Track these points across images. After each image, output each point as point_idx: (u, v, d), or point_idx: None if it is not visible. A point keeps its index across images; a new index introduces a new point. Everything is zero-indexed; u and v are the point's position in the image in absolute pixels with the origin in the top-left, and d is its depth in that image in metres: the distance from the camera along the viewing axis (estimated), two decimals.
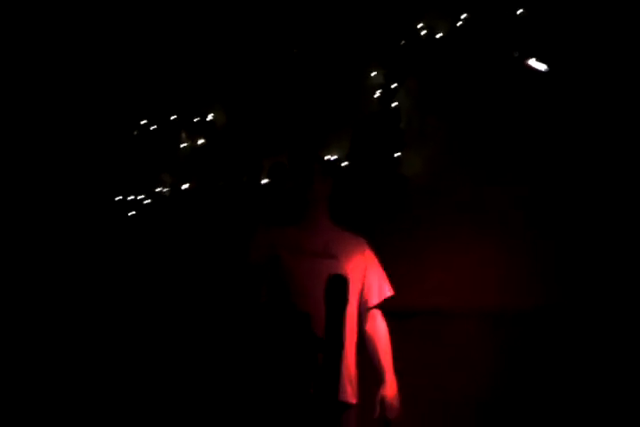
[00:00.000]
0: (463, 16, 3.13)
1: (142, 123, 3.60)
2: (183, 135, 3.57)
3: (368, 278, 2.52)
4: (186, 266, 3.35)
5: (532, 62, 2.95)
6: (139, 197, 3.55)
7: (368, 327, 2.51)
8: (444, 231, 3.05)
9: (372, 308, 2.53)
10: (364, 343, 2.50)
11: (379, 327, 2.52)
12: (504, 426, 2.82)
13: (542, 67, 2.94)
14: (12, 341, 3.26)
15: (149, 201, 3.54)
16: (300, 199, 2.52)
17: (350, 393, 2.39)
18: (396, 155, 3.18)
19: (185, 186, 3.52)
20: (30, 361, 3.24)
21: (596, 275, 2.81)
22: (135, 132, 3.60)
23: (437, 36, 3.18)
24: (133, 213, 3.53)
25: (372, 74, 3.28)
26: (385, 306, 2.59)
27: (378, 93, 3.25)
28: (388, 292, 2.57)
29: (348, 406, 2.37)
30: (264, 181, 3.39)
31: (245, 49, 3.49)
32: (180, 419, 3.09)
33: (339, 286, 1.92)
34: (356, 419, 2.42)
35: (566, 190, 2.91)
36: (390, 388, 2.41)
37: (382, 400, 2.39)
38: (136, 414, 3.14)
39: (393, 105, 3.22)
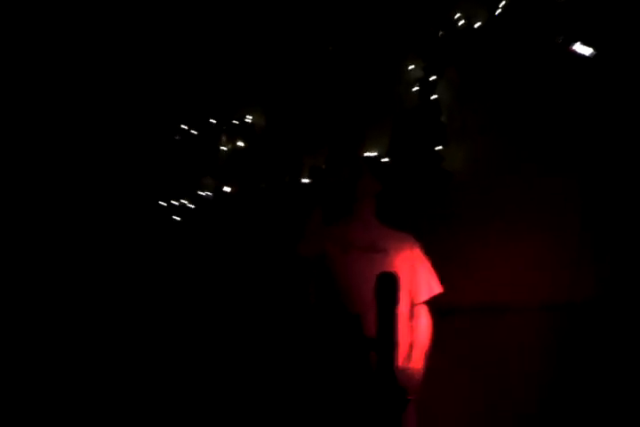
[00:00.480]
0: (502, 4, 3.05)
1: (183, 127, 3.63)
2: (223, 138, 3.59)
3: (417, 274, 2.51)
4: (232, 268, 3.36)
5: (577, 47, 2.85)
6: (182, 202, 3.58)
7: (414, 325, 2.49)
8: (490, 226, 2.99)
9: (418, 304, 2.52)
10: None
11: (421, 324, 2.50)
12: (562, 421, 2.75)
13: (588, 51, 2.84)
14: (15, 341, 3.29)
15: (193, 206, 3.57)
16: (348, 197, 2.52)
17: (409, 389, 2.37)
18: (437, 149, 3.13)
19: (227, 189, 3.54)
20: (31, 361, 3.27)
21: None
22: (176, 137, 3.63)
23: (476, 25, 3.12)
24: (177, 218, 3.56)
25: (411, 67, 3.23)
26: (434, 303, 2.56)
27: (417, 87, 3.20)
28: (437, 289, 2.55)
29: (408, 401, 2.35)
30: (305, 181, 3.38)
31: (283, 49, 3.48)
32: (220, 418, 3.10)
33: (389, 285, 1.90)
34: (415, 414, 2.40)
35: (616, 181, 2.81)
36: (417, 361, 2.39)
37: (405, 370, 2.35)
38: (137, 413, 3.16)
39: (432, 98, 3.17)
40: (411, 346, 2.44)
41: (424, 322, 2.50)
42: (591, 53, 2.81)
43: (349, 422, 2.19)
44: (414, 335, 2.47)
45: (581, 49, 2.83)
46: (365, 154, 3.19)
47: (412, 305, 2.50)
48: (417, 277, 2.51)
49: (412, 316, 2.49)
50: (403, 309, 2.38)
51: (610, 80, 2.84)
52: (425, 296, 2.53)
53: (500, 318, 2.90)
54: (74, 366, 3.28)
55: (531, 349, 2.84)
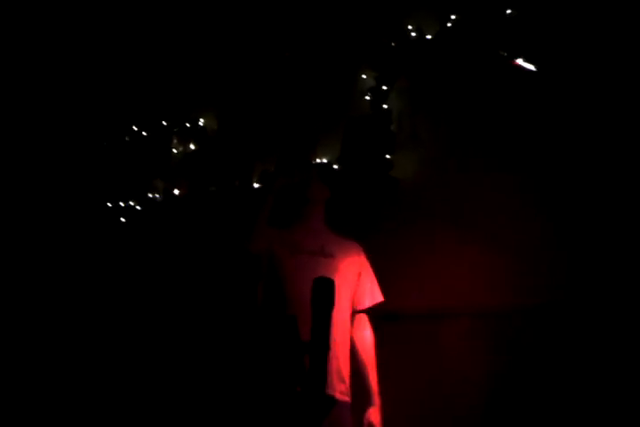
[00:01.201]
0: (452, 17, 3.12)
1: (134, 129, 3.60)
2: (175, 141, 3.57)
3: (362, 281, 2.54)
4: (179, 271, 3.34)
5: (521, 62, 2.94)
6: (131, 203, 3.54)
7: (355, 334, 2.52)
8: (437, 232, 3.04)
9: (359, 312, 2.54)
10: (350, 350, 2.49)
11: (365, 337, 2.53)
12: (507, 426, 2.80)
13: (531, 67, 2.93)
14: (12, 342, 3.25)
15: (141, 207, 3.53)
16: (297, 202, 2.54)
17: (344, 391, 2.40)
18: (387, 157, 3.17)
19: (177, 191, 3.52)
20: (30, 361, 3.23)
21: (596, 271, 2.79)
22: (127, 138, 3.60)
23: (427, 37, 3.18)
24: (124, 219, 3.53)
25: (363, 76, 3.28)
26: (378, 309, 2.59)
27: (369, 96, 3.24)
28: (379, 297, 2.59)
29: (335, 403, 2.35)
30: (256, 186, 3.38)
31: (236, 53, 3.49)
32: (169, 419, 3.08)
33: (325, 289, 1.92)
34: (350, 418, 2.42)
35: (561, 188, 2.89)
36: (375, 413, 2.43)
37: (369, 425, 2.40)
38: (128, 413, 3.13)
39: (384, 107, 3.21)
40: (362, 366, 2.46)
41: (368, 336, 2.53)
42: (534, 69, 2.90)
43: (272, 422, 2.20)
44: (358, 346, 2.49)
45: (524, 64, 2.92)
46: (316, 160, 3.21)
47: (354, 312, 2.52)
48: (361, 286, 2.54)
49: (352, 324, 2.51)
50: (344, 314, 2.42)
51: (551, 93, 2.93)
52: (367, 304, 2.56)
53: (446, 324, 2.94)
54: (71, 366, 3.22)
55: (476, 355, 2.88)
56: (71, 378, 3.24)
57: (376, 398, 2.44)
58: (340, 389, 2.38)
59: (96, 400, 3.19)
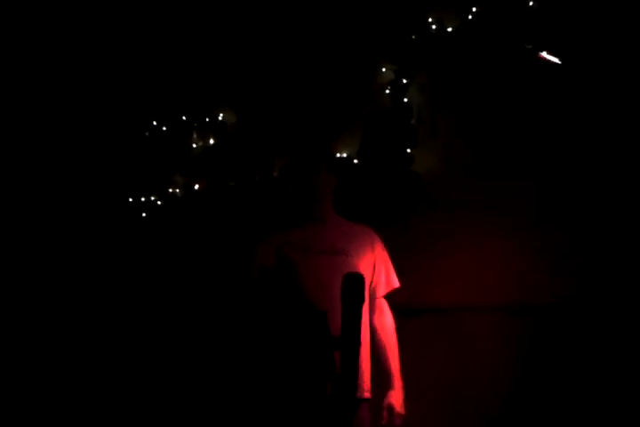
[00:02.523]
0: (474, 9, 3.10)
1: (154, 124, 3.60)
2: (194, 136, 3.57)
3: (377, 270, 2.52)
4: (197, 267, 3.34)
5: (545, 55, 2.92)
6: (151, 199, 3.55)
7: (375, 321, 2.50)
8: (457, 227, 3.03)
9: (378, 298, 2.53)
10: (372, 336, 2.48)
11: (386, 322, 2.51)
12: (520, 422, 2.80)
13: (555, 59, 2.90)
14: (13, 341, 3.25)
15: (161, 202, 3.54)
16: (305, 198, 2.51)
17: (365, 388, 2.39)
18: (407, 151, 3.16)
19: (197, 186, 3.52)
20: (31, 361, 3.24)
21: (614, 269, 2.78)
22: (146, 134, 3.60)
23: (448, 30, 3.16)
24: (145, 214, 3.53)
25: (383, 70, 3.26)
26: (397, 303, 2.58)
27: (388, 90, 3.23)
28: (395, 283, 2.56)
29: (363, 401, 2.37)
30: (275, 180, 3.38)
31: (255, 48, 3.48)
32: (188, 420, 3.09)
33: (356, 284, 1.91)
34: (369, 413, 2.41)
35: (583, 183, 2.88)
36: (397, 396, 2.40)
37: (389, 408, 2.38)
38: (137, 414, 3.14)
39: (404, 101, 3.20)
40: (384, 351, 2.45)
41: (389, 321, 2.52)
42: (558, 61, 2.88)
43: (302, 417, 2.19)
44: (380, 332, 2.48)
45: (549, 57, 2.90)
46: (336, 154, 3.21)
47: (372, 299, 2.51)
48: (376, 273, 2.51)
49: (373, 311, 2.50)
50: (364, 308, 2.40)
51: (576, 86, 2.91)
52: (384, 291, 2.54)
53: (464, 318, 2.94)
54: (71, 366, 3.23)
55: (493, 349, 2.88)
56: (77, 377, 3.23)
57: (397, 382, 2.41)
58: (363, 386, 2.36)
59: (103, 400, 3.18)
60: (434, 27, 3.18)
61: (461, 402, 2.88)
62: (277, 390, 2.28)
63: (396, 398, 2.39)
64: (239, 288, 2.44)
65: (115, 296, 3.37)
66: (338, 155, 3.22)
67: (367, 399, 2.40)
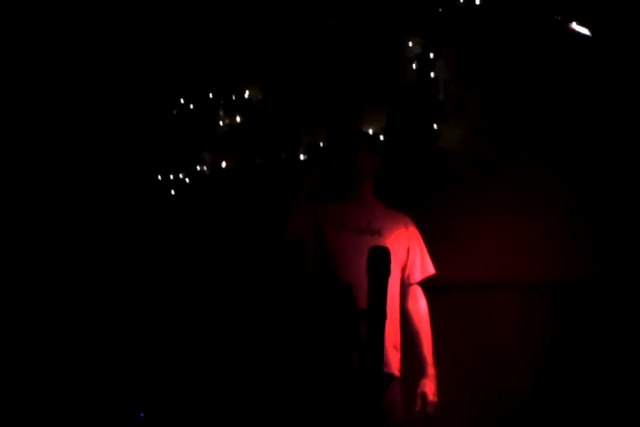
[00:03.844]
0: None
1: (181, 102, 3.63)
2: (221, 113, 3.58)
3: (411, 255, 2.53)
4: (227, 244, 3.38)
5: (575, 26, 2.86)
6: (179, 176, 3.59)
7: (410, 306, 2.52)
8: (482, 204, 3.02)
9: (413, 284, 2.54)
10: (405, 322, 2.51)
11: (420, 308, 2.52)
12: (552, 400, 2.80)
13: (585, 31, 2.84)
14: (15, 341, 3.27)
15: (189, 180, 3.58)
16: (346, 175, 2.53)
17: (394, 366, 2.41)
18: (434, 127, 3.14)
19: (224, 164, 3.55)
20: (33, 361, 3.26)
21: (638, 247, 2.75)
22: (174, 112, 3.63)
23: (476, 2, 3.11)
24: (174, 192, 3.58)
25: (409, 44, 3.23)
26: (426, 280, 2.59)
27: (415, 64, 3.20)
28: (431, 270, 2.57)
29: (392, 378, 2.39)
30: (303, 158, 3.39)
31: (281, 23, 3.46)
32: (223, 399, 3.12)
33: (381, 258, 1.93)
34: (400, 392, 2.43)
35: (610, 160, 2.84)
36: (430, 384, 2.42)
37: (422, 395, 2.40)
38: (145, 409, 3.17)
39: (431, 76, 3.17)
40: (417, 337, 2.46)
41: (423, 306, 2.52)
42: (589, 33, 2.82)
43: (332, 395, 2.22)
44: (414, 318, 2.49)
45: (579, 28, 2.84)
46: (363, 130, 3.20)
47: (407, 285, 2.52)
48: (411, 258, 2.52)
49: (404, 296, 2.51)
50: (394, 290, 2.40)
51: (607, 60, 2.84)
52: (419, 277, 2.54)
53: (489, 295, 2.94)
54: (73, 366, 3.27)
55: (519, 327, 2.88)
56: (85, 377, 3.25)
57: (431, 369, 2.43)
58: (391, 364, 2.39)
59: (105, 400, 3.21)
60: (461, 0, 3.13)
61: (492, 378, 2.88)
62: (305, 363, 2.32)
63: (430, 386, 2.41)
64: (275, 250, 2.46)
65: (144, 273, 3.42)
66: (371, 132, 3.21)
67: (397, 378, 2.42)
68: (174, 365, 3.19)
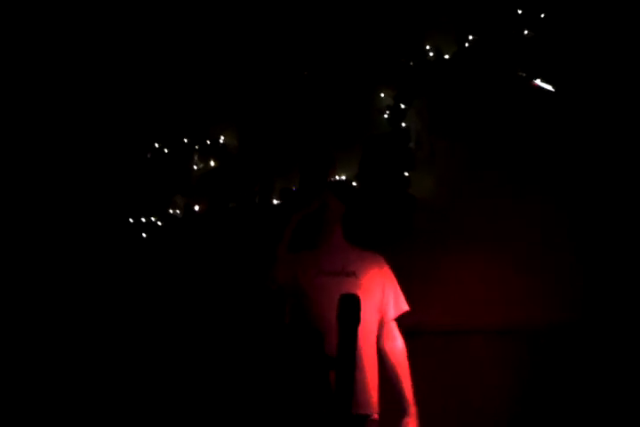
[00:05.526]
0: (470, 37, 3.17)
1: (155, 146, 3.66)
2: (195, 158, 3.62)
3: (386, 294, 2.56)
4: (199, 286, 3.36)
5: (539, 82, 2.98)
6: (152, 219, 3.59)
7: (386, 345, 2.53)
8: (454, 250, 3.06)
9: (388, 323, 2.55)
10: (383, 361, 2.51)
11: (396, 346, 2.53)
12: None
13: (548, 87, 2.97)
14: (14, 341, 3.26)
15: (162, 223, 3.58)
16: (316, 223, 2.57)
17: (371, 407, 2.41)
18: (405, 174, 3.20)
19: (197, 207, 3.56)
20: (33, 361, 3.24)
21: (613, 293, 2.80)
22: (148, 155, 3.65)
23: (445, 56, 3.23)
24: (145, 235, 3.57)
25: (381, 95, 3.32)
26: (398, 324, 2.60)
27: (387, 114, 3.29)
28: (405, 306, 2.59)
29: (366, 419, 2.38)
30: (276, 202, 3.42)
31: (255, 71, 3.54)
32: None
33: (350, 306, 1.94)
34: None
35: (581, 207, 2.91)
36: (412, 422, 2.42)
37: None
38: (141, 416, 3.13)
39: (402, 125, 3.25)
40: (396, 376, 2.46)
41: (399, 345, 2.54)
42: (552, 88, 2.94)
43: None
44: (390, 357, 2.50)
45: (543, 84, 2.96)
46: (335, 178, 3.25)
47: (382, 323, 2.54)
48: (385, 297, 2.55)
49: (380, 335, 2.52)
50: (370, 328, 2.43)
51: (570, 113, 2.96)
52: (393, 314, 2.57)
53: (467, 339, 2.95)
54: (72, 366, 3.23)
55: (492, 372, 2.89)
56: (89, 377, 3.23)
57: (412, 408, 2.43)
58: (368, 404, 2.39)
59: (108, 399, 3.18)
60: (431, 54, 3.25)
61: (471, 420, 2.87)
62: (274, 406, 2.30)
63: (412, 425, 2.41)
64: (251, 295, 2.45)
65: (114, 315, 3.38)
66: (338, 178, 3.27)
67: (374, 419, 2.41)
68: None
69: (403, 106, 3.26)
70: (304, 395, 2.18)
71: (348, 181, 3.29)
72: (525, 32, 3.07)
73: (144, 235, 3.56)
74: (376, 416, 2.42)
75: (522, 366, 2.86)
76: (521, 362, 2.86)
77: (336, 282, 2.43)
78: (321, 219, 2.57)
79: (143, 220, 3.58)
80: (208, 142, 3.60)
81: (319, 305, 2.40)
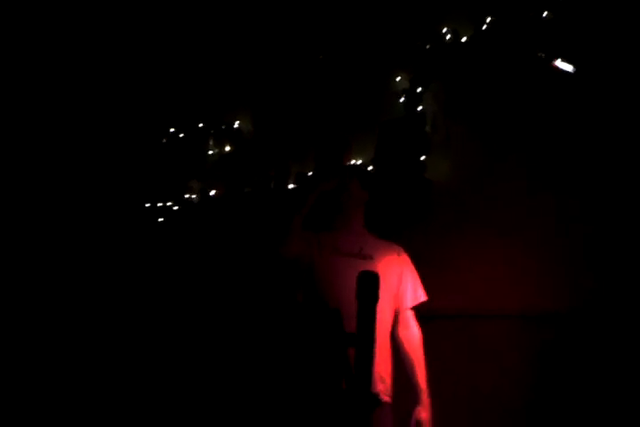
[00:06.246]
0: (488, 19, 3.15)
1: (171, 131, 3.66)
2: (211, 142, 3.62)
3: (403, 282, 2.55)
4: (214, 272, 3.37)
5: (559, 63, 2.95)
6: (167, 204, 3.60)
7: (402, 333, 2.52)
8: (471, 234, 3.05)
9: (405, 311, 2.55)
10: (398, 349, 2.51)
11: (412, 335, 2.52)
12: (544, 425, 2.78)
13: (569, 68, 2.94)
14: (14, 341, 3.26)
15: (178, 207, 3.59)
16: (336, 206, 2.55)
17: (383, 391, 2.40)
18: (421, 159, 3.19)
19: (212, 192, 3.57)
20: (33, 361, 3.24)
21: (629, 276, 2.78)
22: (164, 140, 3.66)
23: (462, 39, 3.20)
24: (162, 219, 3.58)
25: (397, 78, 3.31)
26: (414, 309, 2.59)
27: (403, 98, 3.27)
28: (422, 296, 2.59)
29: (380, 402, 2.36)
30: (291, 187, 3.41)
31: (271, 56, 3.54)
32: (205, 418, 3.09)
33: (369, 282, 1.93)
34: (391, 418, 2.42)
35: (596, 191, 2.89)
36: (425, 410, 2.42)
37: (417, 422, 2.41)
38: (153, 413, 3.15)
39: (418, 109, 3.23)
40: (410, 364, 2.46)
41: (415, 334, 2.53)
42: (572, 70, 2.91)
43: (320, 417, 2.20)
44: (406, 345, 2.49)
45: (563, 65, 2.93)
46: (351, 162, 3.24)
47: (399, 312, 2.53)
48: (403, 285, 2.54)
49: (396, 323, 2.51)
50: (385, 315, 2.42)
51: (590, 95, 2.93)
52: (411, 303, 2.56)
53: (477, 325, 2.94)
54: (72, 366, 3.24)
55: (507, 357, 2.88)
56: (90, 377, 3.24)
57: (425, 397, 2.43)
58: (381, 388, 2.38)
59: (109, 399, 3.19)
60: (448, 36, 3.23)
61: (474, 411, 2.86)
62: (292, 387, 2.30)
63: (425, 413, 2.42)
64: (266, 271, 2.43)
65: (126, 302, 3.40)
66: (353, 162, 3.25)
67: (388, 403, 2.41)
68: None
69: (419, 90, 3.24)
70: (322, 372, 2.18)
71: (364, 166, 3.28)
72: (544, 13, 3.04)
73: (160, 219, 3.57)
74: (387, 399, 2.41)
75: (536, 351, 2.84)
76: (536, 347, 2.84)
77: (351, 263, 2.42)
78: (340, 203, 2.55)
79: (159, 204, 3.59)
80: (223, 127, 3.60)
81: (332, 285, 2.39)
